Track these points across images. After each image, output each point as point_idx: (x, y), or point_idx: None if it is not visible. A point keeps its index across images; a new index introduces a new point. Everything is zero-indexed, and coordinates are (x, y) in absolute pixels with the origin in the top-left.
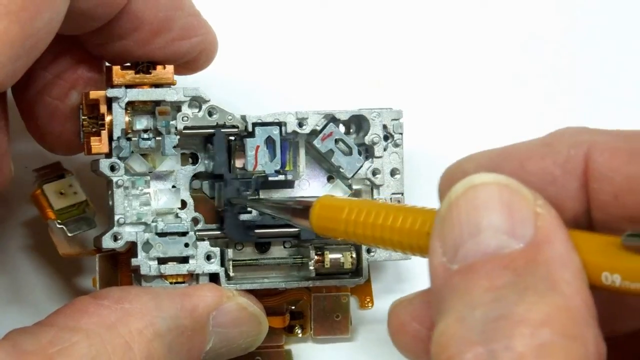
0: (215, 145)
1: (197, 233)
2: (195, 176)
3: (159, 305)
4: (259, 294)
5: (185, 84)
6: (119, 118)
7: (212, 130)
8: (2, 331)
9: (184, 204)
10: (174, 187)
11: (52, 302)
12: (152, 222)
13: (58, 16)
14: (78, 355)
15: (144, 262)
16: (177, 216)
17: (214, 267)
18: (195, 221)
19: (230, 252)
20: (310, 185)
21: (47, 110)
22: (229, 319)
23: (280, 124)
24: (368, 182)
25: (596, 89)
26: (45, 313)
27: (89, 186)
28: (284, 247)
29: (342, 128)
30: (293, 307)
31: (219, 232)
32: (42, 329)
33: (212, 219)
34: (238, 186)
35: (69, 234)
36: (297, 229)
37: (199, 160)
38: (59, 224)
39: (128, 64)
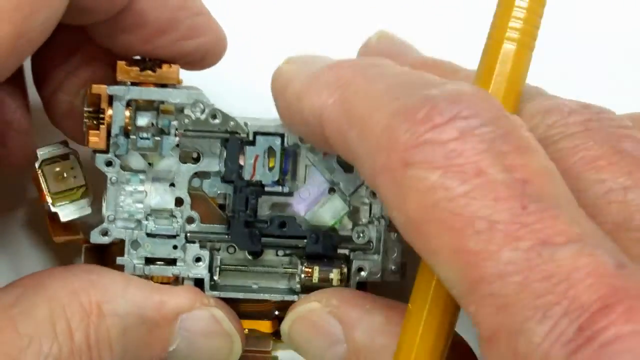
0: (228, 151)
1: (188, 235)
2: (196, 174)
3: (126, 289)
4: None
5: (192, 82)
6: (118, 115)
7: (214, 135)
8: None
9: (180, 202)
10: (172, 185)
11: None
12: (144, 220)
13: (56, 14)
14: (39, 318)
15: (129, 262)
16: (171, 215)
17: (201, 271)
18: (189, 220)
19: (218, 259)
20: (310, 195)
21: (62, 108)
22: (198, 327)
23: (282, 135)
24: (367, 200)
25: (597, 89)
26: None
27: (91, 170)
28: (277, 254)
29: None
30: (279, 313)
31: (225, 236)
32: (10, 289)
33: (210, 219)
34: (248, 194)
35: (62, 219)
36: (303, 242)
37: (201, 159)
38: (54, 207)
39: (137, 58)
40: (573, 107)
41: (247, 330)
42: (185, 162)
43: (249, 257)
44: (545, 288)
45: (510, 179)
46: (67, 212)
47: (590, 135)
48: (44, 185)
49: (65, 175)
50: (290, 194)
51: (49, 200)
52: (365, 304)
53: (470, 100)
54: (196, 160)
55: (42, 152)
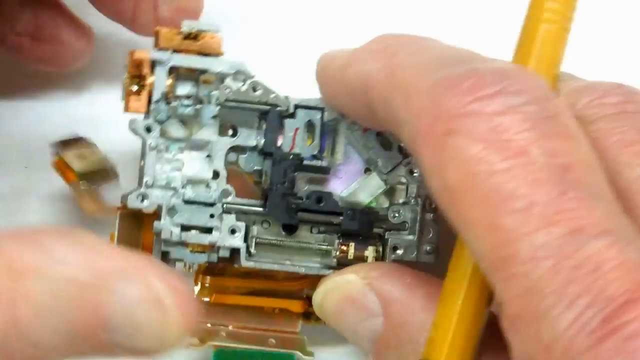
0: (269, 123)
1: (226, 206)
2: (233, 149)
3: (64, 251)
4: (279, 276)
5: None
6: (160, 81)
7: (254, 106)
8: None
9: (216, 175)
10: (208, 156)
11: None
12: (181, 188)
13: None
14: None
15: (166, 227)
16: (207, 186)
17: (237, 241)
18: (225, 193)
19: (255, 230)
20: (346, 174)
21: None
22: (132, 296)
23: (322, 109)
24: (404, 180)
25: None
26: None
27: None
28: (311, 231)
29: None
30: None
31: (261, 209)
32: None
33: (244, 195)
34: (286, 167)
35: (93, 193)
36: (339, 219)
37: (238, 133)
38: (83, 184)
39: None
40: (607, 87)
41: (277, 309)
42: (222, 136)
43: (283, 233)
44: (575, 277)
45: (552, 163)
46: (95, 186)
47: (626, 118)
48: (67, 167)
49: (85, 155)
50: (327, 170)
51: (74, 178)
52: (407, 278)
53: (518, 76)
54: (233, 134)
55: (58, 141)
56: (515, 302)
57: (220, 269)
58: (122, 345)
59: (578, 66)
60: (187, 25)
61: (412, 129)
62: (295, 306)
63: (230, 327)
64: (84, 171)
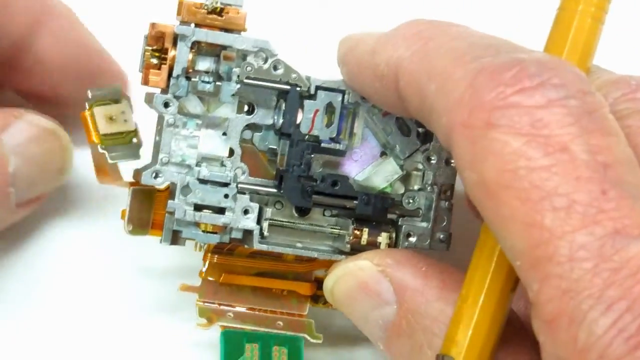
0: (288, 103)
1: (239, 185)
2: (248, 126)
3: None
4: (288, 258)
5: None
6: (182, 56)
7: (275, 85)
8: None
9: (231, 152)
10: (224, 134)
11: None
12: (196, 166)
13: None
14: None
15: (180, 206)
16: (222, 164)
17: (250, 223)
18: (240, 172)
19: (269, 212)
20: (362, 157)
21: None
22: (23, 137)
23: (343, 92)
24: (421, 166)
25: None
26: None
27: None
28: (324, 214)
29: None
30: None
31: (274, 190)
32: None
33: (257, 174)
34: (304, 148)
35: (110, 161)
36: (353, 203)
37: (255, 111)
38: (102, 148)
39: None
40: (639, 81)
41: (286, 291)
42: (239, 113)
43: (296, 215)
44: (614, 279)
45: (594, 160)
46: (114, 154)
47: None
48: (92, 126)
49: (115, 118)
50: (343, 153)
51: (96, 140)
52: (422, 266)
53: (559, 68)
54: (249, 112)
55: (94, 93)
56: (551, 303)
57: (229, 248)
58: (31, 191)
59: (607, 60)
60: None
61: (448, 120)
62: (304, 288)
63: (238, 308)
64: (108, 136)
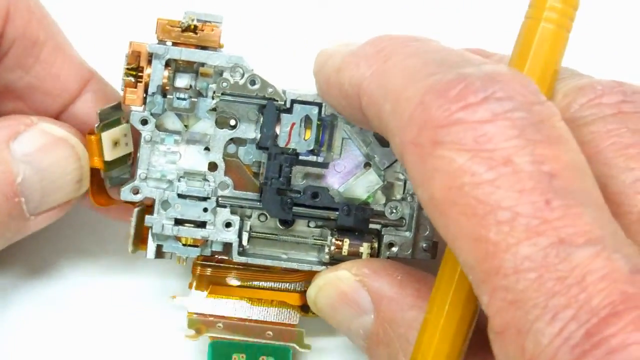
0: (265, 117)
1: (220, 199)
2: (232, 140)
3: None
4: (277, 269)
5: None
6: (157, 74)
7: (252, 100)
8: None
9: (214, 167)
10: (206, 149)
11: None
12: (176, 181)
13: None
14: None
15: (158, 221)
16: (204, 179)
17: (230, 236)
18: (222, 186)
19: (248, 224)
20: (345, 168)
21: None
22: (33, 146)
23: (320, 105)
24: (402, 176)
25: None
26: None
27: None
28: (308, 225)
29: None
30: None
31: (257, 203)
32: None
33: (243, 187)
34: (281, 162)
35: (109, 185)
36: (335, 214)
37: (238, 125)
38: (105, 174)
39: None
40: (606, 86)
41: (275, 302)
42: (222, 128)
43: (280, 227)
44: (559, 289)
45: (538, 171)
46: (114, 178)
47: (623, 120)
48: (99, 152)
49: (119, 141)
50: (325, 165)
51: (99, 166)
52: (397, 275)
53: (507, 81)
54: (233, 126)
55: (103, 114)
56: (499, 315)
57: (218, 260)
58: (45, 200)
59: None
60: (188, 16)
61: (400, 138)
62: (293, 299)
63: (227, 319)
64: (111, 163)
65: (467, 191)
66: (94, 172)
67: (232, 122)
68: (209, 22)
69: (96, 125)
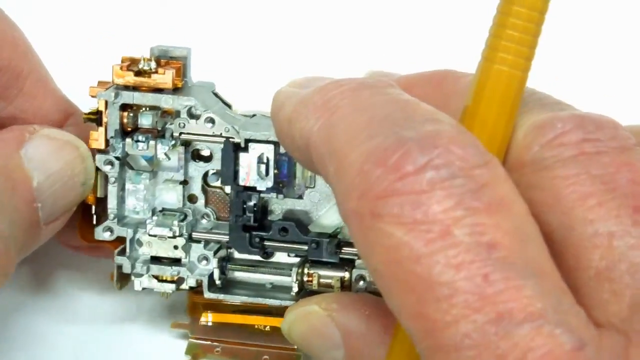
0: (222, 156)
1: (194, 234)
2: (215, 172)
3: None
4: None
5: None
6: (112, 119)
7: (209, 139)
8: None
9: (194, 199)
10: (182, 183)
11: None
12: (149, 219)
13: None
14: None
15: (126, 262)
16: (182, 212)
17: (203, 272)
18: (205, 216)
19: (229, 254)
20: (322, 198)
21: None
22: (42, 152)
23: (275, 143)
24: None
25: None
26: None
27: None
28: (288, 255)
29: None
30: None
31: (227, 239)
32: None
33: (228, 214)
34: (245, 199)
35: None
36: (305, 246)
37: (212, 158)
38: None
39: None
40: (568, 123)
41: (269, 327)
42: (197, 161)
43: (260, 258)
44: None
45: (476, 242)
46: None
47: (584, 164)
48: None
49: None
50: (299, 196)
51: (93, 201)
52: (366, 310)
53: (446, 145)
54: (208, 159)
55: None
56: None
57: None
58: (57, 206)
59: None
60: (144, 58)
61: (343, 205)
62: None
63: (225, 343)
64: (102, 198)
65: (406, 267)
66: (86, 207)
67: (207, 153)
68: (177, 57)
69: None
